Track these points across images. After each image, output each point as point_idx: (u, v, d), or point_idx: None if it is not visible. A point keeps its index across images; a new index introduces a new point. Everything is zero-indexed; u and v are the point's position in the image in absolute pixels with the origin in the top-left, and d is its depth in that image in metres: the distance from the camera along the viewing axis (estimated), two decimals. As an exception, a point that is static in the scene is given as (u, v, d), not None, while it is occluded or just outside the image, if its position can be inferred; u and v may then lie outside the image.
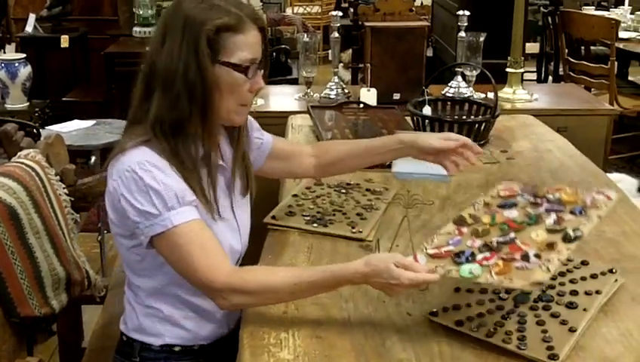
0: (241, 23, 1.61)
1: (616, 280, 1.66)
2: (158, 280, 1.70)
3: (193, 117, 1.61)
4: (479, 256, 1.45)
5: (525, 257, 1.42)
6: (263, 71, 1.67)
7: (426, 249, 1.53)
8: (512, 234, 1.51)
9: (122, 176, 1.58)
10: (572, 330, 1.46)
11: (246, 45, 1.62)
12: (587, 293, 1.59)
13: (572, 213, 1.58)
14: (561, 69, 5.61)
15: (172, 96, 1.59)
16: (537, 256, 1.42)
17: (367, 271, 1.48)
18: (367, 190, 2.22)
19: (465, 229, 1.58)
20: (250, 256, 1.85)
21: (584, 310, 1.53)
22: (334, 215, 2.04)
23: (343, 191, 2.22)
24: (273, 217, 2.02)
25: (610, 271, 1.69)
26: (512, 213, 1.61)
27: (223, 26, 1.58)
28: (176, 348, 1.74)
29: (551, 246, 1.45)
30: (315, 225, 1.97)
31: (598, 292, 1.60)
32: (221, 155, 1.75)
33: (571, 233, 1.48)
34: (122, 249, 1.72)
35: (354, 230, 1.94)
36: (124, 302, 1.81)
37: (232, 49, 1.60)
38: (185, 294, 1.69)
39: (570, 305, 1.54)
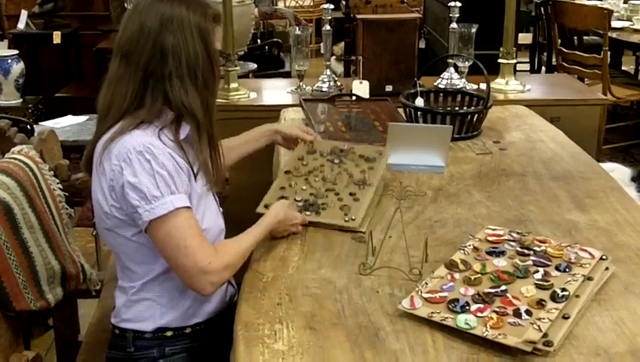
0: (219, 17, 1.82)
1: (607, 268, 1.67)
2: (158, 266, 1.73)
3: (209, 101, 1.75)
4: (473, 307, 1.52)
5: (517, 313, 1.49)
6: None
7: (420, 292, 1.57)
8: (503, 287, 1.59)
9: (126, 158, 1.63)
10: (565, 317, 1.47)
11: (220, 35, 1.85)
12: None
13: (558, 269, 1.66)
14: (554, 60, 5.61)
15: (197, 82, 1.71)
16: (528, 312, 1.49)
17: (281, 216, 1.85)
18: (361, 156, 2.20)
19: (457, 275, 1.64)
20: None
21: (576, 296, 1.54)
22: (327, 196, 2.03)
23: (337, 161, 2.18)
24: (266, 206, 2.01)
25: (602, 258, 1.70)
26: (501, 263, 1.69)
27: (216, 15, 1.79)
28: (169, 333, 1.78)
29: (541, 304, 1.51)
30: (307, 212, 1.97)
31: (589, 278, 1.61)
32: None
33: (559, 292, 1.55)
34: (119, 240, 1.73)
35: (347, 218, 1.94)
36: (115, 294, 1.84)
37: (218, 37, 1.81)
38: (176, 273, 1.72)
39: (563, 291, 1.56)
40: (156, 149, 1.64)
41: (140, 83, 1.70)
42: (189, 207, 1.66)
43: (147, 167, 1.63)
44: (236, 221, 2.34)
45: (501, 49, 3.44)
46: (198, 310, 1.80)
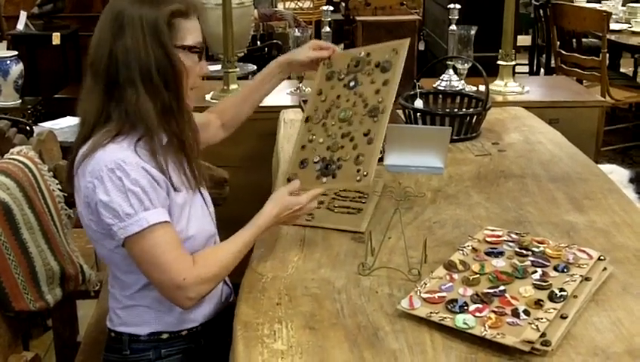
0: (189, 8, 1.69)
1: (605, 268, 1.68)
2: (141, 275, 1.70)
3: (172, 103, 1.65)
4: (472, 307, 1.52)
5: (515, 313, 1.49)
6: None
7: (419, 292, 1.57)
8: (502, 287, 1.59)
9: (98, 176, 1.59)
10: (563, 317, 1.47)
11: (195, 29, 1.71)
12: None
13: (556, 269, 1.66)
14: (552, 62, 5.63)
15: (152, 88, 1.63)
16: (527, 312, 1.49)
17: (277, 210, 1.76)
18: (377, 65, 2.00)
19: (456, 276, 1.64)
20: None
21: (574, 297, 1.54)
22: (342, 147, 1.90)
23: (352, 84, 2.00)
24: (289, 179, 1.92)
25: (599, 258, 1.70)
26: (500, 263, 1.70)
27: (176, 11, 1.65)
28: (164, 336, 1.77)
29: (539, 304, 1.52)
30: (324, 178, 1.88)
31: (587, 279, 1.61)
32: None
33: (557, 292, 1.55)
34: (104, 251, 1.72)
35: (359, 175, 1.85)
36: (109, 299, 1.82)
37: (185, 33, 1.68)
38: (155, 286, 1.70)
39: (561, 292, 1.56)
40: (128, 166, 1.59)
41: (104, 95, 1.65)
42: (166, 222, 1.62)
43: (119, 185, 1.58)
44: (235, 222, 2.34)
45: (500, 51, 3.45)
46: (193, 313, 1.78)
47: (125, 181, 1.58)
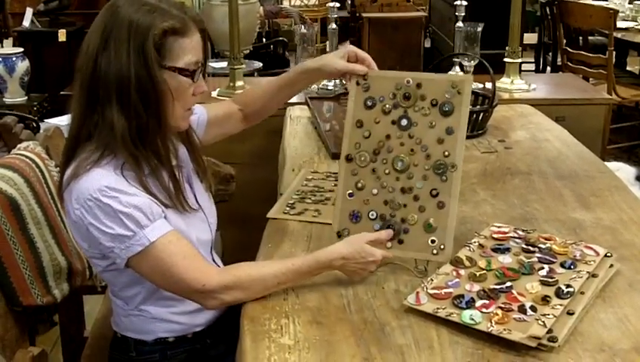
0: (186, 26, 1.57)
1: (611, 265, 1.68)
2: (142, 289, 1.69)
3: (151, 124, 1.56)
4: (479, 303, 1.52)
5: (522, 309, 1.49)
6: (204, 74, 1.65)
7: (426, 288, 1.57)
8: (508, 283, 1.59)
9: (84, 204, 1.53)
10: (570, 313, 1.47)
11: (191, 48, 1.59)
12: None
13: (563, 266, 1.66)
14: (559, 60, 5.61)
15: (129, 107, 1.54)
16: (533, 308, 1.49)
17: (348, 252, 1.60)
18: (433, 104, 1.76)
19: (462, 272, 1.64)
20: (246, 247, 1.87)
21: (581, 293, 1.54)
22: (405, 206, 1.72)
23: (404, 123, 1.75)
24: (339, 235, 1.75)
25: (606, 255, 1.70)
26: (507, 259, 1.69)
27: (169, 29, 1.54)
28: (170, 339, 1.75)
29: (546, 300, 1.52)
30: (389, 243, 1.71)
31: (594, 275, 1.61)
32: (175, 153, 1.72)
33: (564, 288, 1.55)
34: (98, 268, 1.69)
35: (434, 246, 1.70)
36: (112, 304, 1.80)
37: (178, 53, 1.57)
38: (172, 293, 1.68)
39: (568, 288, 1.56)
40: (113, 191, 1.52)
41: (85, 108, 1.57)
42: (169, 232, 1.56)
43: (109, 211, 1.52)
44: (242, 218, 2.35)
45: (507, 48, 3.45)
46: (200, 318, 1.76)
47: (115, 205, 1.52)
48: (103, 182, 1.53)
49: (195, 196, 1.77)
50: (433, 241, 1.69)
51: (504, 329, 1.42)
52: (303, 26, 3.43)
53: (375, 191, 1.74)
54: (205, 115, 1.96)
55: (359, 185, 1.75)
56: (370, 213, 1.73)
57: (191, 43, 1.59)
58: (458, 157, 1.71)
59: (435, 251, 1.69)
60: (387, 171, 1.74)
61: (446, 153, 1.72)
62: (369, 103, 1.78)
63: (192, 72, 1.59)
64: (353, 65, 1.79)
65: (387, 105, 1.76)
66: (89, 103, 1.57)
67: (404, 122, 1.75)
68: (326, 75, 1.93)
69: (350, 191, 1.76)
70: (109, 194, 1.52)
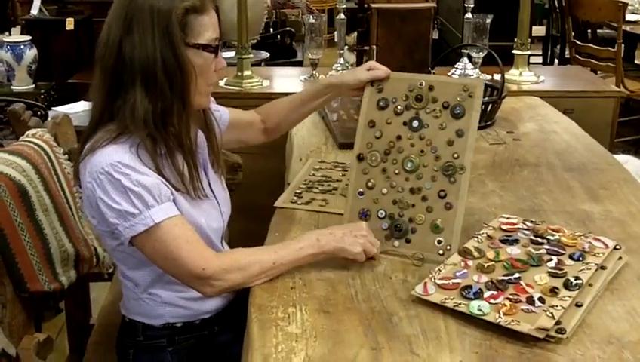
0: (204, 3, 1.62)
1: (620, 257, 1.67)
2: (151, 271, 1.71)
3: (175, 105, 1.60)
4: (487, 294, 1.51)
5: (530, 300, 1.49)
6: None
7: (434, 278, 1.56)
8: (517, 274, 1.58)
9: (96, 178, 1.57)
10: (578, 305, 1.47)
11: (210, 25, 1.64)
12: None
13: (571, 257, 1.65)
14: (567, 52, 5.59)
15: (155, 89, 1.58)
16: (542, 299, 1.49)
17: (334, 228, 1.67)
18: (445, 107, 1.78)
19: (470, 262, 1.64)
20: (253, 236, 1.86)
21: (590, 285, 1.54)
22: (413, 206, 1.76)
23: (415, 125, 1.79)
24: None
25: (615, 247, 1.70)
26: (515, 251, 1.69)
27: (190, 8, 1.59)
28: (178, 324, 1.77)
29: (554, 292, 1.51)
30: (396, 242, 1.75)
31: (603, 267, 1.61)
32: (194, 138, 1.74)
33: (572, 280, 1.55)
34: (108, 247, 1.72)
35: (440, 246, 1.73)
36: (122, 288, 1.82)
37: (200, 30, 1.62)
38: (173, 277, 1.69)
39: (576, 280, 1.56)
40: (125, 167, 1.55)
41: (109, 93, 1.61)
42: (174, 216, 1.59)
43: (118, 186, 1.55)
44: (249, 208, 2.35)
45: (516, 40, 3.44)
46: (208, 305, 1.78)
47: (125, 182, 1.55)
48: (116, 158, 1.56)
49: (209, 183, 1.78)
50: (440, 242, 1.72)
51: (512, 321, 1.42)
52: (311, 16, 3.42)
53: (385, 190, 1.78)
54: (227, 115, 1.99)
55: (369, 184, 1.79)
56: (379, 212, 1.77)
57: (210, 20, 1.64)
58: (467, 160, 1.74)
59: (441, 251, 1.71)
60: (397, 171, 1.78)
61: (455, 155, 1.74)
62: (382, 104, 1.82)
63: (214, 48, 1.64)
64: (375, 71, 1.84)
65: (399, 107, 1.80)
66: (111, 90, 1.60)
67: (415, 123, 1.78)
68: (349, 87, 1.90)
69: (361, 190, 1.80)
70: (120, 170, 1.55)
